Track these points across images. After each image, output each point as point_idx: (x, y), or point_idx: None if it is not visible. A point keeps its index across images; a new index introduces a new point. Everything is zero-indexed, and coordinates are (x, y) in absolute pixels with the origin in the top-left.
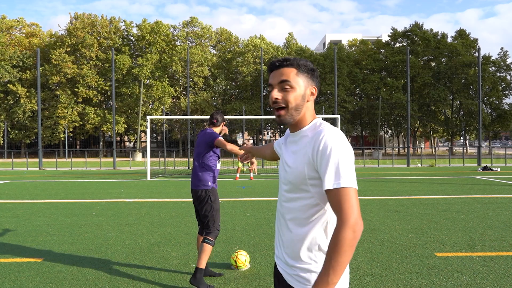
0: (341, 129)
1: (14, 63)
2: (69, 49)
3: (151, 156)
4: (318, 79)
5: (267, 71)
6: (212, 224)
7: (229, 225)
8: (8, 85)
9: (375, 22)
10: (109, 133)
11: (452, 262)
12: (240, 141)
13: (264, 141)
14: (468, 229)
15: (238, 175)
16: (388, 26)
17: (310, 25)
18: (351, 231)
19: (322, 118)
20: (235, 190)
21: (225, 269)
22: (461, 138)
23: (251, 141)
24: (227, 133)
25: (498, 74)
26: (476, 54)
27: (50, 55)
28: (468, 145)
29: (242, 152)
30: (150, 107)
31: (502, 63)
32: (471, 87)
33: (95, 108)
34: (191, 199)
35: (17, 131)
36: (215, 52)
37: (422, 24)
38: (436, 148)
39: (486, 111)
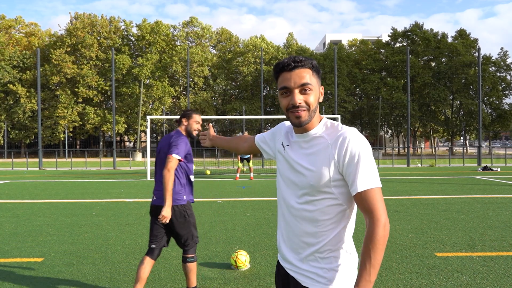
0: None
1: (14, 63)
2: (69, 49)
3: (151, 156)
4: None
5: (274, 70)
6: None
7: (229, 225)
8: (8, 85)
9: (375, 22)
10: (109, 133)
11: (452, 262)
12: None
13: None
14: (468, 229)
15: (238, 175)
16: (388, 26)
17: (310, 25)
18: (385, 229)
19: None
20: (235, 190)
21: (225, 269)
22: (461, 138)
23: None
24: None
25: (498, 74)
26: (476, 54)
27: (50, 55)
28: (468, 145)
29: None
30: (150, 107)
31: (502, 63)
32: (471, 87)
33: (95, 108)
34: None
35: (17, 131)
36: (215, 52)
37: (422, 24)
38: (436, 148)
39: (486, 111)
